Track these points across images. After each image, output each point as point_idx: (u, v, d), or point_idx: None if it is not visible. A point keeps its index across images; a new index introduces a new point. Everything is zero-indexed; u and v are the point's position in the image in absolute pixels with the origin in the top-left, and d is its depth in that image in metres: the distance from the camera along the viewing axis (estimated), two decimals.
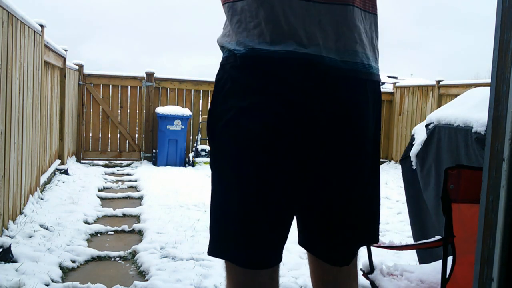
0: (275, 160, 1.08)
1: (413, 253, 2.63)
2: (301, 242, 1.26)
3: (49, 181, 4.98)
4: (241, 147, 1.09)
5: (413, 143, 2.40)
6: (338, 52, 1.11)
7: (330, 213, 1.17)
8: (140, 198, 4.80)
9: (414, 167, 2.36)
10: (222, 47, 1.16)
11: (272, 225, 1.12)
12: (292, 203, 1.14)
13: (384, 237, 3.57)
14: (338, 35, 1.11)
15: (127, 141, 7.41)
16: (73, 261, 2.80)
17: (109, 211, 4.10)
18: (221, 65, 1.15)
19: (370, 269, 1.67)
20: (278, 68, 1.07)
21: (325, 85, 1.10)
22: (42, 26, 4.25)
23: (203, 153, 7.39)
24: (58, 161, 5.74)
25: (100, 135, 7.34)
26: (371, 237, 1.25)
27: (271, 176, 1.09)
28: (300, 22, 1.07)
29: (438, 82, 7.16)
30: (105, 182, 5.52)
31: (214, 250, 1.17)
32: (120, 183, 5.53)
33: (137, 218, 3.99)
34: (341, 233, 1.19)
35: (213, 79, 1.19)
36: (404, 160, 2.47)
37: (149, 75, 7.37)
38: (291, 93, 1.07)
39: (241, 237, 1.12)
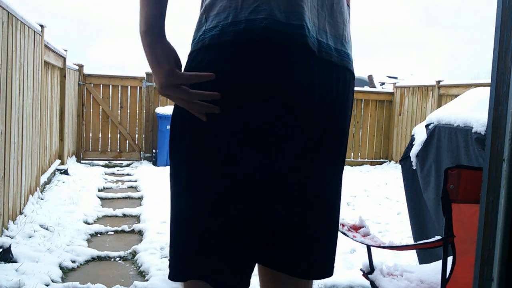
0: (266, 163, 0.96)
1: (413, 253, 2.63)
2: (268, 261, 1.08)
3: (49, 181, 4.98)
4: (228, 145, 0.95)
5: (413, 143, 2.40)
6: (332, 37, 1.01)
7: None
8: (140, 198, 4.80)
9: (414, 167, 2.36)
10: None
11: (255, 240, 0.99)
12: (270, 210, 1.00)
13: (384, 237, 3.57)
14: (333, 20, 1.01)
15: (127, 141, 7.41)
16: (73, 261, 2.80)
17: (109, 211, 4.10)
18: None
19: (370, 269, 1.67)
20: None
21: (323, 75, 0.98)
22: (42, 26, 4.25)
23: None
24: (58, 161, 5.74)
25: (100, 135, 7.33)
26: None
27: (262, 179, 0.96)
28: None
29: (438, 82, 7.15)
30: (105, 182, 5.52)
31: (180, 272, 1.01)
32: (120, 183, 5.53)
33: (137, 218, 3.99)
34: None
35: None
36: (404, 160, 2.47)
37: (149, 75, 7.36)
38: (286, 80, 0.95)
39: (218, 254, 0.97)
